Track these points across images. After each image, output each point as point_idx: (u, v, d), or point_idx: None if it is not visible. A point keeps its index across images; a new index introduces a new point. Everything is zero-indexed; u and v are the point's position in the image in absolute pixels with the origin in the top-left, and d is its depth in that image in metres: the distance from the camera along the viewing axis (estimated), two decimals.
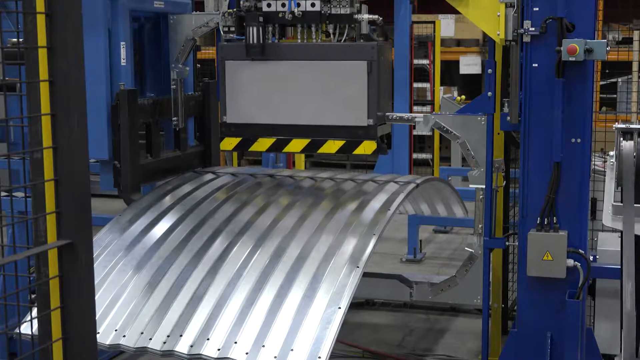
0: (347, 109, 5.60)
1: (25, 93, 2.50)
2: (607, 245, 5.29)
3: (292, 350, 4.25)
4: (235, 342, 4.37)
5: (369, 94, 5.55)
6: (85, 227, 2.56)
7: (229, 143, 5.88)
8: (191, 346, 4.43)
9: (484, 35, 13.22)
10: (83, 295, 2.57)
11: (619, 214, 4.83)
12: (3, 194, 3.94)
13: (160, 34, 6.34)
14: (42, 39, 2.45)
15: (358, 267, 4.71)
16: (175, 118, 6.05)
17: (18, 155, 5.18)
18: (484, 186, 5.47)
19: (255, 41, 5.63)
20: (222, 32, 5.85)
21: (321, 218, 5.25)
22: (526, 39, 4.80)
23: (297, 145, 5.76)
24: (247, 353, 4.30)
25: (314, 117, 5.68)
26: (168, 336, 4.52)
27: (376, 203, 5.38)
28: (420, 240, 9.21)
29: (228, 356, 4.32)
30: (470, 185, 5.57)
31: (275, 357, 4.25)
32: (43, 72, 2.46)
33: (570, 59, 4.63)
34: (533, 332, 4.99)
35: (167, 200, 5.71)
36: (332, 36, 5.68)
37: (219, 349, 4.37)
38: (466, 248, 5.78)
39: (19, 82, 2.57)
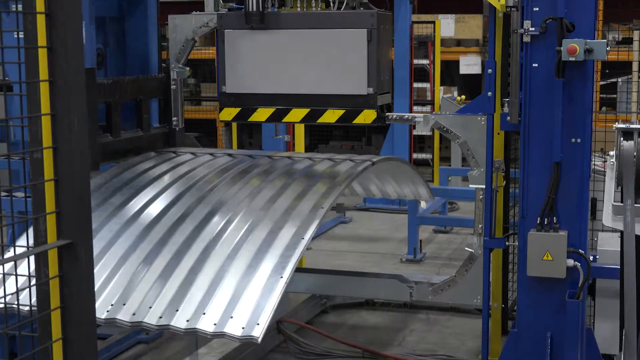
0: (347, 78, 5.58)
1: (25, 93, 2.50)
2: (607, 245, 5.28)
3: (231, 317, 4.33)
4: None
5: (369, 62, 5.52)
6: (85, 227, 2.57)
7: (229, 113, 5.83)
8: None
9: (484, 35, 13.29)
10: (83, 295, 2.57)
11: (619, 214, 4.82)
12: (3, 194, 3.94)
13: (123, 15, 6.25)
14: (42, 39, 2.45)
15: (303, 238, 4.79)
16: (175, 118, 6.04)
17: (18, 155, 5.18)
18: (484, 186, 5.47)
19: (254, 9, 5.61)
20: (221, 1, 5.83)
21: (272, 193, 5.29)
22: (526, 39, 4.79)
23: (296, 114, 5.73)
24: (214, 324, 4.35)
25: (313, 86, 5.65)
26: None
27: (329, 179, 5.45)
28: (420, 240, 9.21)
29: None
30: (470, 185, 5.57)
31: (214, 324, 4.32)
32: (43, 72, 2.46)
33: (570, 59, 4.63)
34: (533, 332, 4.99)
35: (125, 175, 5.73)
36: (331, 5, 5.66)
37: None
38: (466, 248, 5.77)
39: (19, 82, 2.57)
